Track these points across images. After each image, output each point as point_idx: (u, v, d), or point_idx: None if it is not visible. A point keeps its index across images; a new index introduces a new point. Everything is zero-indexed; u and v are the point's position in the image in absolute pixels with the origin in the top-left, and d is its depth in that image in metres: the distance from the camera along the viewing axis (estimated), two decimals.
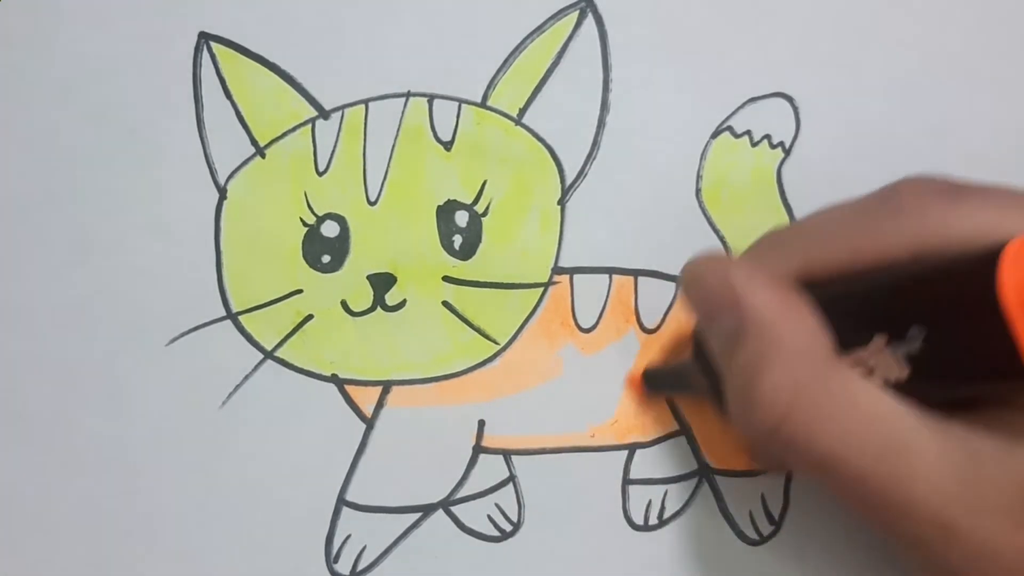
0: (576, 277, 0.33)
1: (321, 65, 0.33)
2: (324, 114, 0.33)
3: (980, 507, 0.23)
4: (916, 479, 0.23)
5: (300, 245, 0.33)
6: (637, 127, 0.34)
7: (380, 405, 0.33)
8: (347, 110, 0.33)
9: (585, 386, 0.33)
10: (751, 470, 0.33)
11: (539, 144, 0.33)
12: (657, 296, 0.34)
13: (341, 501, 0.33)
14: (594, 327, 0.33)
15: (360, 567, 0.33)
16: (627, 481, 0.33)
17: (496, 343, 0.33)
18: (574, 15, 0.33)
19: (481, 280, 0.33)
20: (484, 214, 0.33)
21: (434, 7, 0.33)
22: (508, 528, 0.33)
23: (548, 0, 0.33)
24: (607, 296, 0.33)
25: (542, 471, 0.33)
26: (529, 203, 0.33)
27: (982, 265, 0.22)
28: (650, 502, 0.33)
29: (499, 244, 0.33)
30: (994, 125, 0.34)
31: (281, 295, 0.33)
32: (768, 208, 0.34)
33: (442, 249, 0.33)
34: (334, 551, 0.33)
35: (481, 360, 0.33)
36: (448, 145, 0.33)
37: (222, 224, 0.33)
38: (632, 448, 0.33)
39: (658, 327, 0.33)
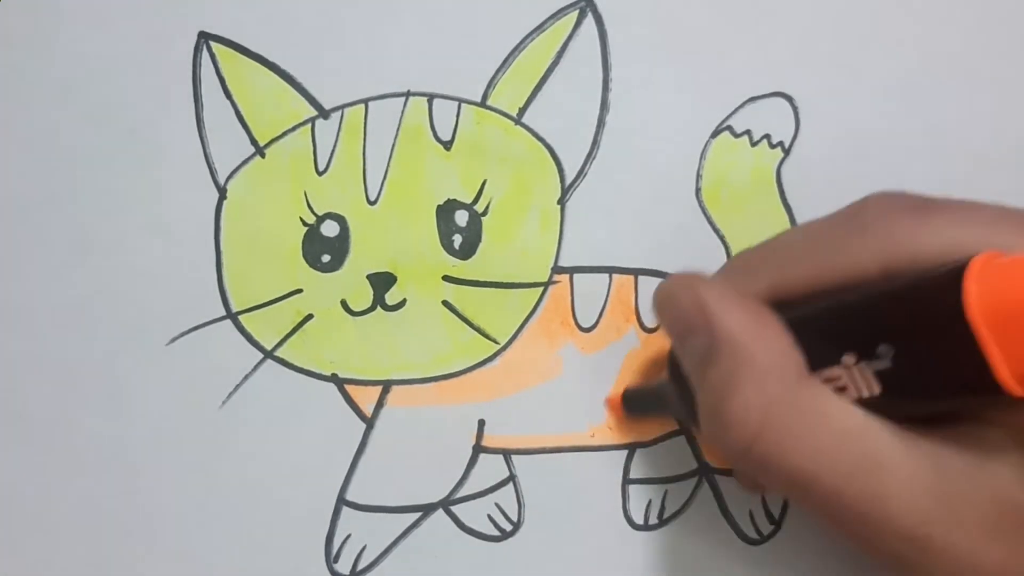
0: (576, 277, 0.33)
1: (321, 65, 0.33)
2: (324, 114, 0.33)
3: (955, 522, 0.23)
4: (890, 496, 0.23)
5: (300, 245, 0.33)
6: (637, 127, 0.34)
7: (380, 405, 0.33)
8: (347, 110, 0.33)
9: (585, 386, 0.33)
10: None
11: (539, 144, 0.33)
12: None
13: (341, 501, 0.33)
14: (594, 327, 0.33)
15: (360, 567, 0.33)
16: (627, 481, 0.33)
17: (496, 343, 0.33)
18: (574, 14, 0.33)
19: (481, 280, 0.33)
20: (484, 214, 0.33)
21: (434, 7, 0.34)
22: (508, 528, 0.33)
23: (548, 0, 0.33)
24: (607, 295, 0.33)
25: (542, 471, 0.33)
26: (529, 203, 0.33)
27: (948, 281, 0.22)
28: (650, 502, 0.33)
29: (499, 243, 0.33)
30: (994, 125, 0.34)
31: (281, 295, 0.33)
32: (768, 208, 0.34)
33: (442, 249, 0.33)
34: (334, 551, 0.33)
35: (481, 360, 0.33)
36: (448, 145, 0.33)
37: (222, 224, 0.33)
38: (632, 448, 0.33)
39: (659, 326, 0.33)
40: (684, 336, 0.27)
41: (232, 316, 0.33)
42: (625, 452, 0.33)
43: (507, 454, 0.33)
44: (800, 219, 0.34)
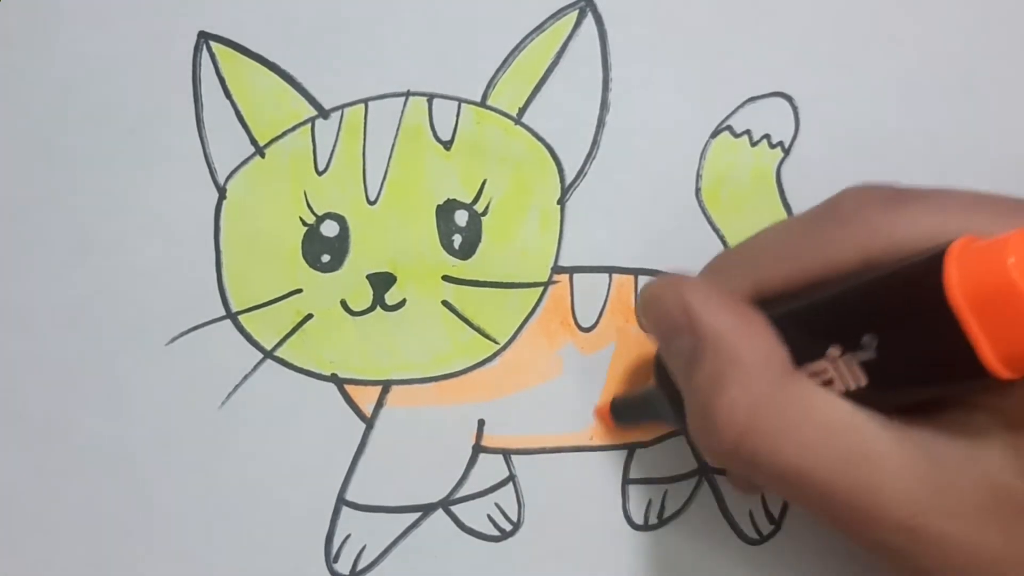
0: (576, 276, 0.33)
1: (321, 65, 0.33)
2: (324, 113, 0.33)
3: (947, 510, 0.23)
4: (881, 487, 0.23)
5: (300, 245, 0.33)
6: (637, 127, 0.34)
7: (380, 405, 0.33)
8: (347, 109, 0.33)
9: (585, 386, 0.33)
10: None
11: (539, 143, 0.33)
12: None
13: (341, 501, 0.33)
14: (594, 326, 0.33)
15: (360, 567, 0.33)
16: (627, 481, 0.33)
17: (496, 343, 0.33)
18: (574, 14, 0.33)
19: (481, 279, 0.33)
20: (484, 213, 0.33)
21: (434, 7, 0.33)
22: (508, 528, 0.33)
23: (548, 0, 0.33)
24: (607, 295, 0.33)
25: (542, 471, 0.33)
26: (529, 202, 0.33)
27: (928, 267, 0.22)
28: (650, 502, 0.33)
29: (499, 243, 0.33)
30: (994, 125, 0.34)
31: (281, 295, 0.33)
32: (767, 207, 0.34)
33: (442, 248, 0.33)
34: (334, 551, 0.33)
35: (481, 360, 0.33)
36: (448, 144, 0.33)
37: (222, 224, 0.33)
38: (632, 448, 0.33)
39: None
40: (669, 338, 0.27)
41: (232, 316, 0.33)
42: (625, 452, 0.33)
43: (507, 454, 0.33)
44: None
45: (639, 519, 0.33)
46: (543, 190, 0.33)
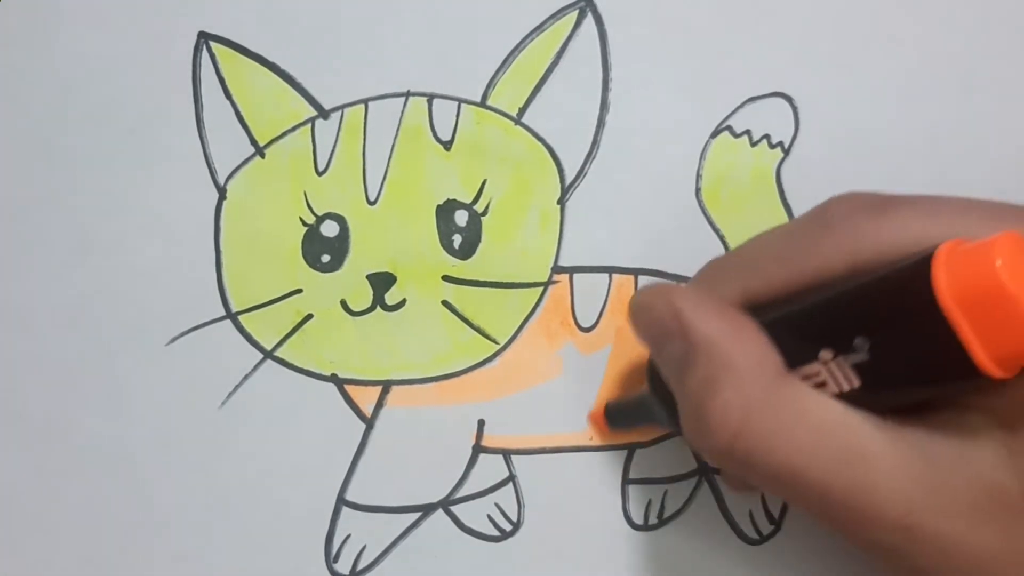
0: (576, 276, 0.33)
1: (321, 65, 0.33)
2: (324, 114, 0.33)
3: (941, 509, 0.23)
4: (876, 487, 0.24)
5: (300, 245, 0.33)
6: (637, 127, 0.34)
7: (380, 405, 0.33)
8: (347, 110, 0.33)
9: (585, 386, 0.33)
10: None
11: (539, 143, 0.33)
12: None
13: (341, 501, 0.33)
14: (594, 326, 0.33)
15: (360, 567, 0.33)
16: (627, 481, 0.33)
17: (496, 343, 0.33)
18: (574, 14, 0.33)
19: (481, 279, 0.33)
20: (484, 213, 0.33)
21: (434, 7, 0.33)
22: (508, 528, 0.33)
23: (548, 0, 0.33)
24: (607, 295, 0.33)
25: (542, 471, 0.33)
26: (529, 202, 0.33)
27: (916, 271, 0.22)
28: (650, 502, 0.33)
29: (499, 243, 0.33)
30: (994, 125, 0.34)
31: (281, 295, 0.33)
32: (767, 208, 0.34)
33: (442, 248, 0.33)
34: (334, 551, 0.33)
35: (481, 360, 0.33)
36: (448, 144, 0.33)
37: (222, 224, 0.33)
38: (632, 448, 0.33)
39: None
40: (661, 344, 0.27)
41: (232, 316, 0.33)
42: (625, 452, 0.33)
43: (507, 454, 0.33)
44: None
45: (639, 519, 0.33)
46: (543, 190, 0.33)
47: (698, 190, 0.34)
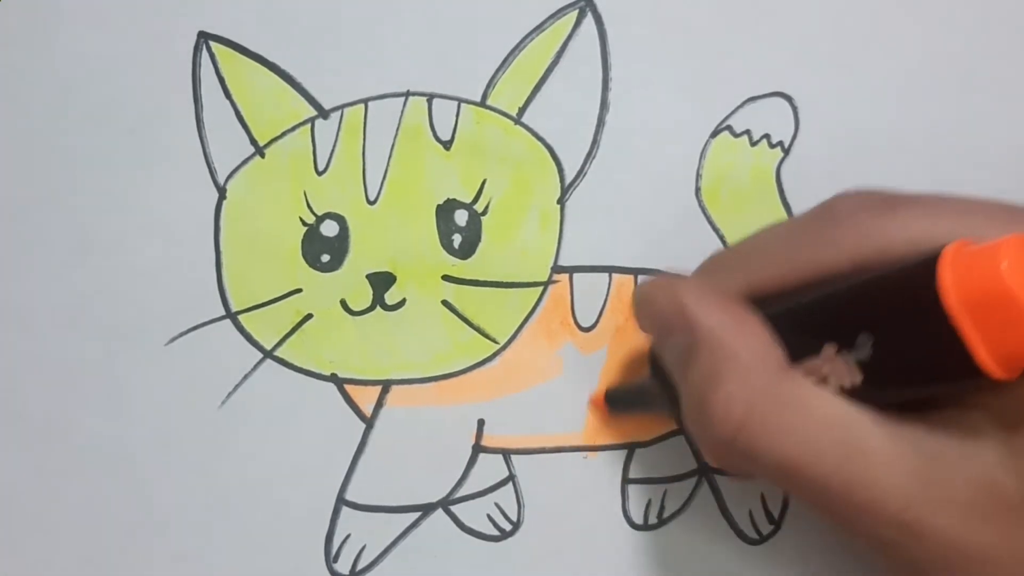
0: (576, 276, 0.33)
1: (321, 65, 0.33)
2: (323, 113, 0.33)
3: (940, 506, 0.24)
4: (876, 482, 0.24)
5: (299, 244, 0.33)
6: (637, 126, 0.34)
7: (380, 404, 0.33)
8: (346, 109, 0.33)
9: (585, 385, 0.33)
10: None
11: (539, 143, 0.33)
12: None
13: (341, 500, 0.33)
14: (594, 326, 0.33)
15: (360, 566, 0.33)
16: (627, 481, 0.33)
17: (496, 342, 0.33)
18: (573, 14, 0.33)
19: (481, 279, 0.33)
20: (484, 213, 0.33)
21: (434, 7, 0.33)
22: (508, 528, 0.33)
23: (548, 0, 0.33)
24: (607, 295, 0.33)
25: (542, 471, 0.33)
26: (529, 202, 0.33)
27: (921, 271, 0.22)
28: (650, 501, 0.33)
29: (499, 243, 0.33)
30: (994, 125, 0.34)
31: (280, 294, 0.33)
32: (767, 207, 0.34)
33: (441, 248, 0.33)
34: (334, 550, 0.33)
35: (481, 359, 0.33)
36: (448, 144, 0.33)
37: (222, 224, 0.33)
38: (632, 448, 0.33)
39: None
40: (664, 336, 0.27)
41: (232, 316, 0.33)
42: (625, 452, 0.33)
43: (507, 454, 0.33)
44: None
45: (639, 519, 0.33)
46: (543, 190, 0.33)
47: (698, 190, 0.34)
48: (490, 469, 0.33)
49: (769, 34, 0.34)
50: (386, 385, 0.33)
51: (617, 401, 0.33)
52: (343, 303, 0.33)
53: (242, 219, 0.33)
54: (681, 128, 0.34)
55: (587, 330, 0.33)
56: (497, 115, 0.33)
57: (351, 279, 0.33)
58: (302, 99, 0.33)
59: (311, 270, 0.33)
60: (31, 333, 0.33)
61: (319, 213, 0.33)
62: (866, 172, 0.33)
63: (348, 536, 0.33)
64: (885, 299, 0.24)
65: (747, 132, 0.34)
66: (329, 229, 0.33)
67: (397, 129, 0.33)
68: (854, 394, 0.24)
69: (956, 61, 0.34)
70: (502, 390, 0.33)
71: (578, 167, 0.33)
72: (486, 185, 0.33)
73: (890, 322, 0.23)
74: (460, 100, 0.33)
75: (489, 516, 0.33)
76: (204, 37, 0.33)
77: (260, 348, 0.33)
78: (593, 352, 0.33)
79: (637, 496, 0.33)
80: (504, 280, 0.33)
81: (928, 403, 0.25)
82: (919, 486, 0.24)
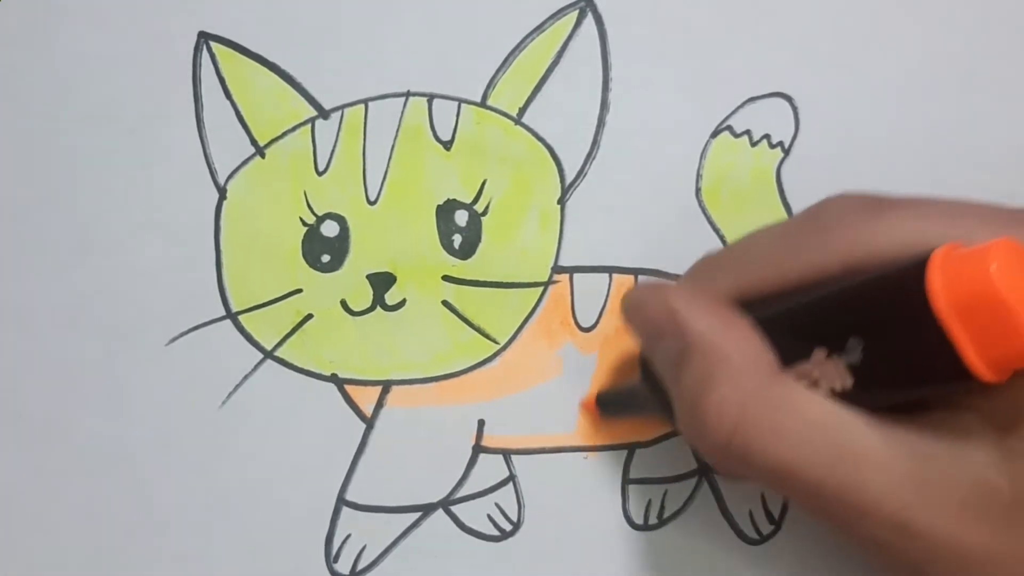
0: (576, 276, 0.33)
1: (321, 65, 0.33)
2: (324, 114, 0.33)
3: (934, 507, 0.24)
4: (868, 484, 0.24)
5: (300, 245, 0.33)
6: (637, 127, 0.34)
7: (380, 405, 0.33)
8: (347, 110, 0.33)
9: (585, 386, 0.33)
10: None
11: (539, 143, 0.33)
12: None
13: (341, 501, 0.33)
14: (594, 326, 0.33)
15: (360, 567, 0.33)
16: (627, 481, 0.33)
17: (496, 343, 0.33)
18: (574, 14, 0.33)
19: (481, 279, 0.33)
20: (484, 213, 0.33)
21: (434, 7, 0.34)
22: (508, 528, 0.33)
23: (548, 0, 0.33)
24: (607, 295, 0.33)
25: (542, 471, 0.33)
26: (529, 202, 0.33)
27: (912, 274, 0.22)
28: (650, 502, 0.33)
29: (499, 243, 0.33)
30: (994, 125, 0.34)
31: (281, 295, 0.33)
32: (767, 208, 0.34)
33: (442, 248, 0.33)
34: (334, 551, 0.33)
35: (481, 360, 0.33)
36: (448, 144, 0.33)
37: (222, 224, 0.33)
38: (632, 448, 0.33)
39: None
40: (655, 341, 0.27)
41: (232, 316, 0.33)
42: (625, 452, 0.33)
43: (507, 454, 0.33)
44: None
45: (639, 519, 0.33)
46: (543, 190, 0.33)
47: (698, 190, 0.34)
48: (490, 469, 0.33)
49: (769, 34, 0.34)
50: (386, 385, 0.33)
51: (608, 404, 0.33)
52: (343, 303, 0.33)
53: (242, 219, 0.33)
54: (681, 128, 0.34)
55: (587, 330, 0.33)
56: (497, 115, 0.33)
57: (351, 279, 0.33)
58: (302, 99, 0.33)
59: (311, 270, 0.33)
60: (31, 333, 0.33)
61: (319, 213, 0.33)
62: (866, 172, 0.33)
63: (348, 536, 0.33)
64: (875, 302, 0.24)
65: (747, 132, 0.34)
66: (329, 229, 0.33)
67: (397, 129, 0.33)
68: (845, 397, 0.24)
69: (956, 61, 0.34)
70: (502, 390, 0.33)
71: (578, 167, 0.33)
72: (486, 185, 0.33)
73: (880, 325, 0.23)
74: (460, 100, 0.33)
75: (489, 516, 0.33)
76: (204, 37, 0.33)
77: (260, 348, 0.33)
78: (593, 352, 0.33)
79: (637, 496, 0.33)
80: (504, 280, 0.33)
81: (919, 405, 0.25)
82: (913, 487, 0.24)
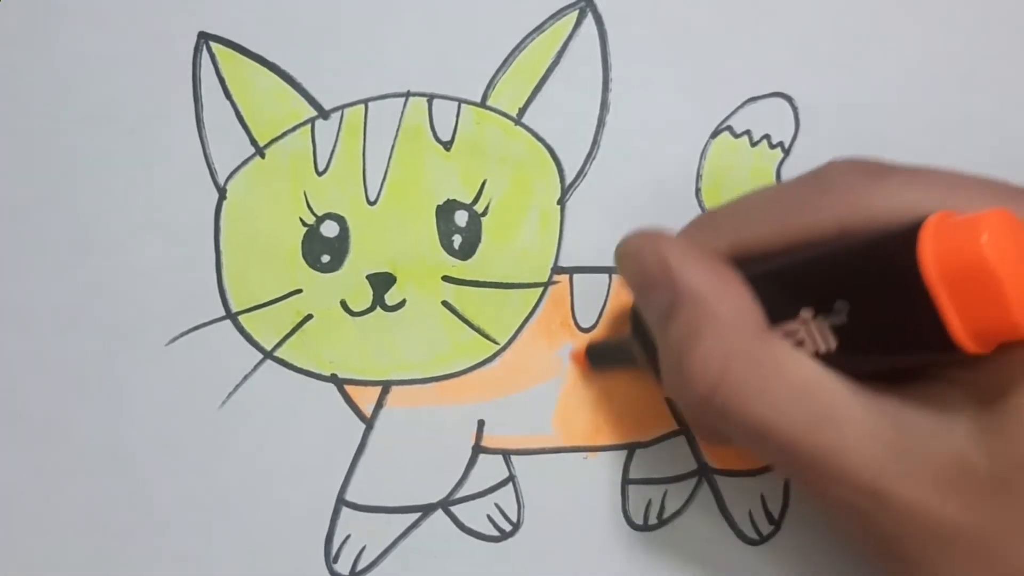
0: (576, 277, 0.33)
1: (321, 65, 0.33)
2: (324, 114, 0.33)
3: (910, 477, 0.24)
4: (846, 449, 0.24)
5: (300, 245, 0.33)
6: (637, 127, 0.34)
7: (379, 405, 0.33)
8: (347, 110, 0.33)
9: (585, 386, 0.33)
10: (751, 469, 0.33)
11: (539, 144, 0.33)
12: None
13: (341, 501, 0.33)
14: (594, 327, 0.33)
15: (360, 567, 0.33)
16: (627, 481, 0.33)
17: (496, 343, 0.33)
18: (574, 14, 0.33)
19: (481, 280, 0.33)
20: (484, 214, 0.33)
21: (434, 7, 0.34)
22: (508, 528, 0.33)
23: (548, 0, 0.33)
24: (607, 296, 0.33)
25: (542, 471, 0.33)
26: (529, 203, 0.33)
27: (903, 240, 0.22)
28: (650, 502, 0.33)
29: (499, 244, 0.33)
30: (994, 125, 0.34)
31: (281, 295, 0.33)
32: None
33: (442, 249, 0.33)
34: (334, 551, 0.33)
35: (481, 360, 0.33)
36: (448, 145, 0.33)
37: (222, 224, 0.33)
38: (632, 448, 0.33)
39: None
40: (646, 291, 0.27)
41: (232, 316, 0.33)
42: (625, 452, 0.33)
43: (507, 454, 0.33)
44: None
45: (639, 519, 0.33)
46: (543, 190, 0.33)
47: (698, 190, 0.34)
48: (490, 469, 0.33)
49: (769, 34, 0.34)
50: (386, 385, 0.33)
51: (598, 356, 0.33)
52: (343, 304, 0.33)
53: (242, 219, 0.33)
54: (681, 128, 0.34)
55: (587, 330, 0.33)
56: (497, 115, 0.33)
57: (351, 280, 0.33)
58: (302, 99, 0.33)
59: (311, 270, 0.33)
60: (31, 333, 0.33)
61: (319, 213, 0.33)
62: None
63: (348, 536, 0.33)
64: (864, 266, 0.24)
65: (747, 132, 0.34)
66: (329, 229, 0.33)
67: (397, 129, 0.33)
68: (829, 360, 0.24)
69: (956, 61, 0.34)
70: (502, 391, 0.33)
71: (578, 167, 0.33)
72: (486, 186, 0.33)
73: (868, 289, 0.23)
74: (460, 100, 0.33)
75: (489, 517, 0.33)
76: (204, 37, 0.33)
77: (260, 348, 0.33)
78: None
79: (637, 496, 0.33)
80: (504, 281, 0.33)
81: (903, 376, 0.25)
82: (890, 457, 0.24)
